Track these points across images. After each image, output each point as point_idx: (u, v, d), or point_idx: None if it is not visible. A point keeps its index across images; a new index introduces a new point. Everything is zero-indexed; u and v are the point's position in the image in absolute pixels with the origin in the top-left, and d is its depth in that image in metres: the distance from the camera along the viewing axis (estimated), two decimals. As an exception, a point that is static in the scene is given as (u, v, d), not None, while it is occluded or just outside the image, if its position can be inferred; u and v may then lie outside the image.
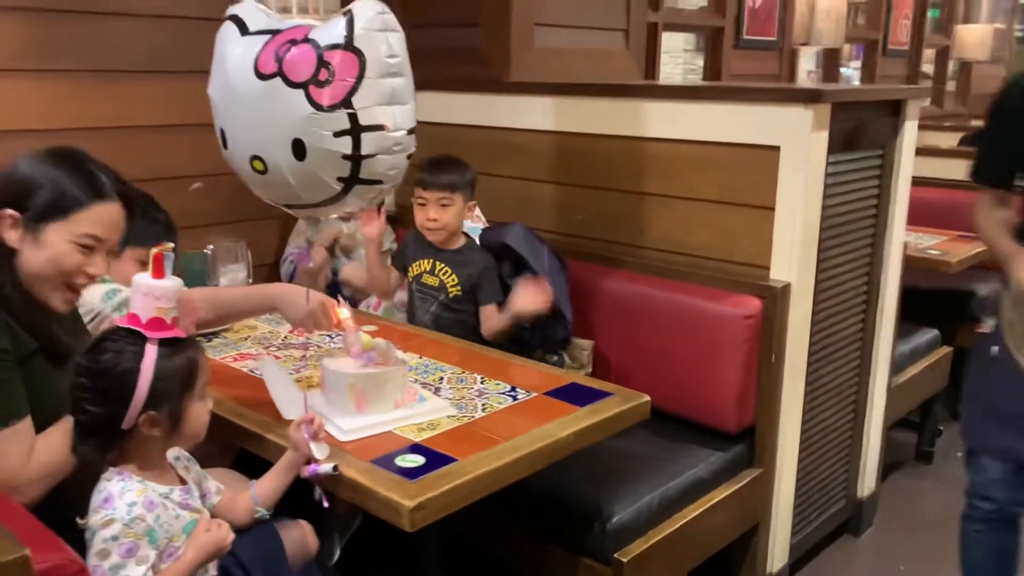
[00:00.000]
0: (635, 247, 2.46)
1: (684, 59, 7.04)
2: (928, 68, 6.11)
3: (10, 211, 1.40)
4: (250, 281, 2.65)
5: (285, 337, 2.19)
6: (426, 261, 2.37)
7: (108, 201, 1.44)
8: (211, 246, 2.61)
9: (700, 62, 6.22)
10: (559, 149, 2.61)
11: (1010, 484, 1.99)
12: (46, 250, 1.40)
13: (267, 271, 2.83)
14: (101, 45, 2.42)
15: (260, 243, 2.78)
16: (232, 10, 1.55)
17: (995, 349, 1.96)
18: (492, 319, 2.28)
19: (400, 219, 2.83)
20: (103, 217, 1.43)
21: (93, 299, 1.74)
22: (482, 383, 1.87)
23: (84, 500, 1.32)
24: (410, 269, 2.40)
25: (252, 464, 1.71)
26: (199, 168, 2.62)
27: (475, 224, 2.56)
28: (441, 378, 1.90)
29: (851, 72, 6.11)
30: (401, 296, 2.55)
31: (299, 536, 1.59)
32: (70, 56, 2.37)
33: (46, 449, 1.38)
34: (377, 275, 2.40)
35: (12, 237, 1.41)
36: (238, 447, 1.86)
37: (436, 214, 2.27)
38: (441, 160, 2.32)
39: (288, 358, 2.03)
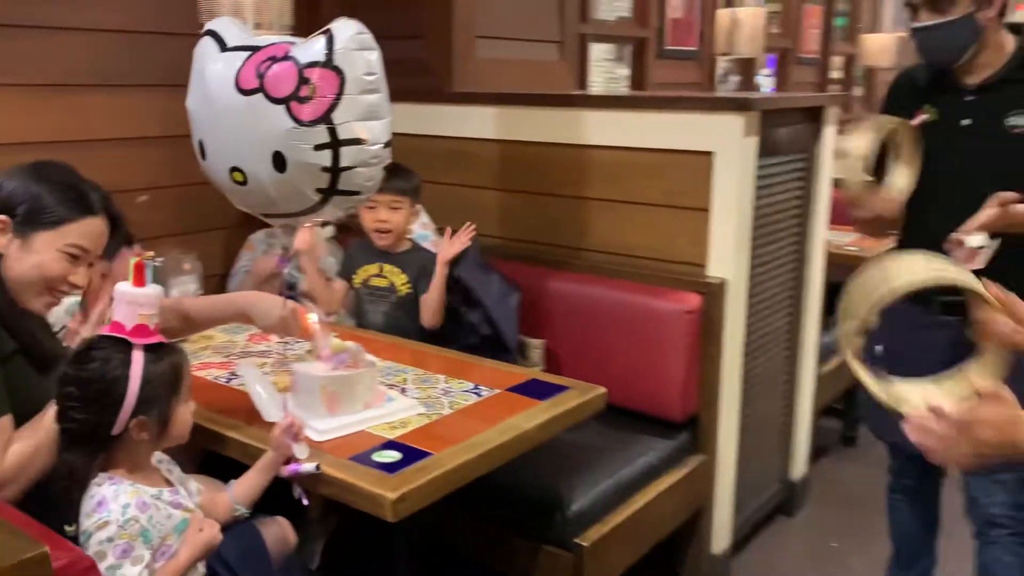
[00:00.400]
0: (580, 250, 2.58)
1: (605, 68, 7.27)
2: (837, 74, 6.43)
3: (2, 216, 1.46)
4: (201, 293, 2.67)
5: (244, 346, 2.23)
6: (373, 266, 2.45)
7: (96, 216, 1.52)
8: (160, 258, 2.62)
9: (620, 71, 6.42)
10: (503, 157, 2.71)
11: (924, 465, 2.14)
12: (34, 256, 1.47)
13: (216, 283, 2.85)
14: (49, 59, 2.41)
15: (208, 255, 2.79)
16: (209, 26, 1.60)
17: (878, 348, 2.10)
18: (432, 306, 2.39)
19: (346, 226, 2.87)
20: (90, 230, 1.51)
21: (58, 311, 1.76)
22: (446, 382, 1.95)
23: (72, 507, 1.35)
24: (355, 276, 2.47)
25: (216, 470, 1.76)
26: (147, 181, 2.64)
27: (423, 231, 2.64)
28: (405, 379, 1.97)
29: (762, 80, 6.39)
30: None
31: (279, 532, 1.65)
32: (18, 71, 2.36)
33: (20, 443, 1.41)
34: (315, 286, 2.43)
35: (1, 242, 1.46)
36: (202, 454, 1.90)
37: (386, 216, 2.38)
38: (390, 167, 2.40)
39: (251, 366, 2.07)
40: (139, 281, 1.36)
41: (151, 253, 1.42)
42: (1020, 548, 1.93)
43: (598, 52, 5.24)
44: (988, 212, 1.71)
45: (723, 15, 3.92)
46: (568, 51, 3.25)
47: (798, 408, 2.90)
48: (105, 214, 1.54)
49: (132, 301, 1.35)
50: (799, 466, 2.97)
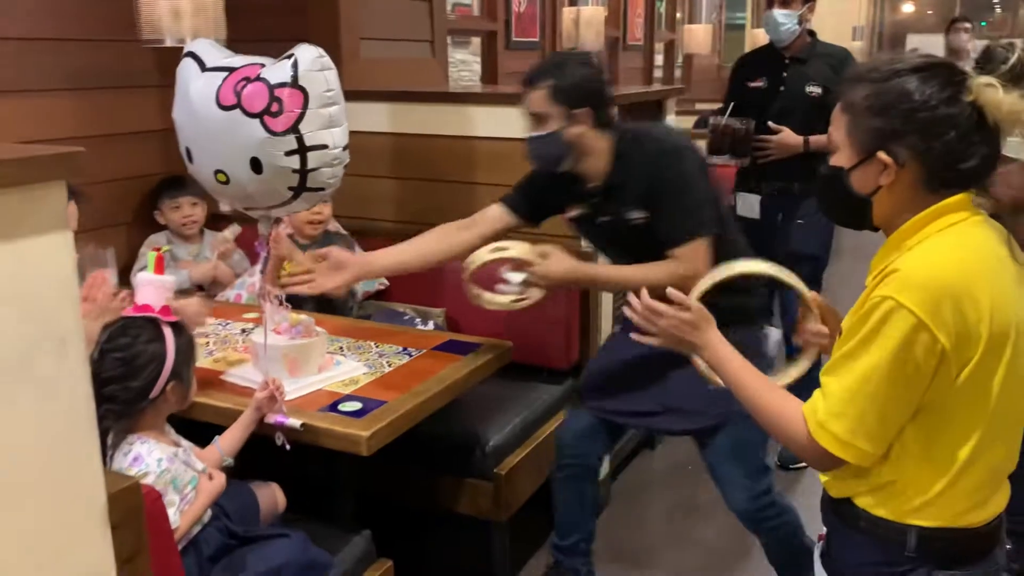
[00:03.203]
0: (469, 228, 2.93)
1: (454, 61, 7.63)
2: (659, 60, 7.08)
3: None
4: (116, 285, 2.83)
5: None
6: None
7: None
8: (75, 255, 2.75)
9: (462, 57, 6.75)
10: (394, 148, 3.02)
11: (590, 437, 2.32)
12: None
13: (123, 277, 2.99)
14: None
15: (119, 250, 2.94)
16: (190, 47, 1.84)
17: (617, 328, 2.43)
18: None
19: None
20: None
21: None
22: (378, 347, 2.28)
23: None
24: (282, 274, 2.72)
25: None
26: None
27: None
28: (341, 348, 2.28)
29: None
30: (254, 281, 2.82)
31: (270, 495, 1.93)
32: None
33: None
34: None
35: None
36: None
37: (320, 208, 2.67)
38: None
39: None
40: (160, 270, 1.61)
41: (168, 247, 1.67)
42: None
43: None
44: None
45: (568, 12, 4.36)
46: (438, 48, 3.58)
47: (654, 355, 3.40)
48: None
49: (160, 286, 1.60)
50: (657, 404, 3.48)
